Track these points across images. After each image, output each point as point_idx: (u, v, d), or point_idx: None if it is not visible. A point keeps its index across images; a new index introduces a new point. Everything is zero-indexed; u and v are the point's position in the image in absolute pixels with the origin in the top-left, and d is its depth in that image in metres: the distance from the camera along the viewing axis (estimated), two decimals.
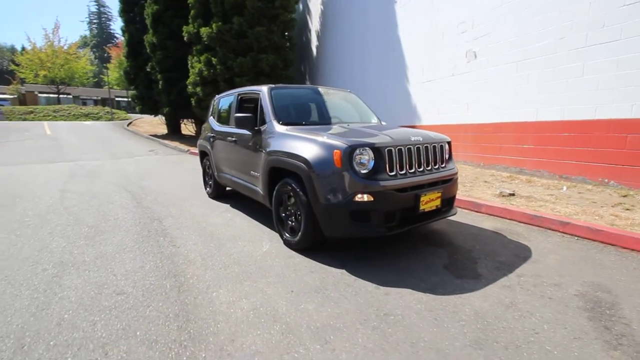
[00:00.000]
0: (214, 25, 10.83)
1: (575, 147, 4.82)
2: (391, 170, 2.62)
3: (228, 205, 4.65)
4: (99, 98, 43.65)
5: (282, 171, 3.06)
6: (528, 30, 5.31)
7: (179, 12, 12.69)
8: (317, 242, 2.87)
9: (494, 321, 1.93)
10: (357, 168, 2.50)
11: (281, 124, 3.25)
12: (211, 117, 5.04)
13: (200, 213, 4.27)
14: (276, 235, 3.36)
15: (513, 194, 4.54)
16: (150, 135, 16.32)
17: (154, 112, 16.63)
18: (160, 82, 13.57)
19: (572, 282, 2.37)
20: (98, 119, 26.16)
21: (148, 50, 13.51)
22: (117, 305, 2.11)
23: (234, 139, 3.94)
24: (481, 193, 4.68)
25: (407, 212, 2.66)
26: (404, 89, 8.06)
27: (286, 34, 12.27)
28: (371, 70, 9.34)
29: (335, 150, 2.53)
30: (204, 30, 10.99)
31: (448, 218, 3.30)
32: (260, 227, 3.65)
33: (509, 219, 3.79)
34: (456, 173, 3.13)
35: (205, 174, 5.27)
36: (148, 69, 14.25)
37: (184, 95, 13.21)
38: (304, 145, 2.75)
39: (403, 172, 2.67)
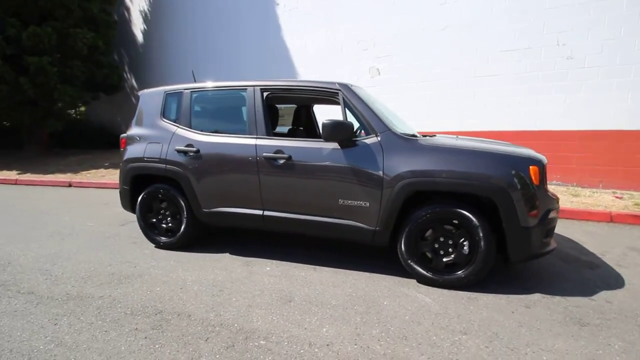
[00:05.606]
0: None
1: None
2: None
3: (227, 254, 3.07)
4: None
5: (427, 195, 2.43)
6: (427, 57, 6.48)
7: None
8: None
9: None
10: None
11: (402, 135, 2.53)
12: (166, 123, 3.10)
13: (221, 279, 2.59)
14: (402, 280, 2.57)
15: None
16: None
17: None
18: None
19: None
20: None
21: None
22: None
23: (283, 155, 2.65)
24: None
25: None
26: None
27: (105, 8, 9.09)
28: (250, 70, 8.42)
29: (531, 166, 2.29)
30: None
31: None
32: (355, 274, 2.65)
33: None
34: None
35: (150, 213, 3.17)
36: None
37: None
38: (489, 161, 2.30)
39: None
